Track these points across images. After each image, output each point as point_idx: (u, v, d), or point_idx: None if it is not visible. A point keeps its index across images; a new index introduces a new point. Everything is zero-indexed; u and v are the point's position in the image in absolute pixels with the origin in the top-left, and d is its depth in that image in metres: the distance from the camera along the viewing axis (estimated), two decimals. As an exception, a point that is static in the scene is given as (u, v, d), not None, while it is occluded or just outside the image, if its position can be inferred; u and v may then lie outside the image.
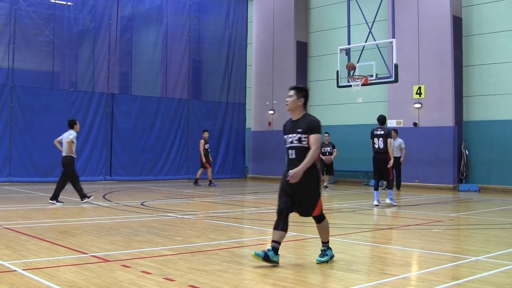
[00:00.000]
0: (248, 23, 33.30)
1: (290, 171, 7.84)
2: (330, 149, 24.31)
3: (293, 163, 7.97)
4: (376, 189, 17.28)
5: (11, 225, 11.41)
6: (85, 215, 14.05)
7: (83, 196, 16.56)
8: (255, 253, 7.83)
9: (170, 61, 29.90)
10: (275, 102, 32.63)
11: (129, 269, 7.46)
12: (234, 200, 19.38)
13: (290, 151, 8.12)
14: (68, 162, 16.39)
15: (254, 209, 16.84)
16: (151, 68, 29.70)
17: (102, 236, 10.36)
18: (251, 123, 33.65)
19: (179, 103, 29.69)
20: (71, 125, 16.74)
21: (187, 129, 29.84)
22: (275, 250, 7.85)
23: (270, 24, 33.27)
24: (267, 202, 18.47)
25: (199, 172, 26.30)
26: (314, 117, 8.26)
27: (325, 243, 8.32)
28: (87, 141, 26.38)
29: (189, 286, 6.66)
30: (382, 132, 17.07)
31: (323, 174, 24.45)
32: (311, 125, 8.07)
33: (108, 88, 27.26)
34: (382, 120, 17.44)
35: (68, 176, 16.49)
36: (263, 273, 7.42)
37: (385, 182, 18.27)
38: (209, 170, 26.19)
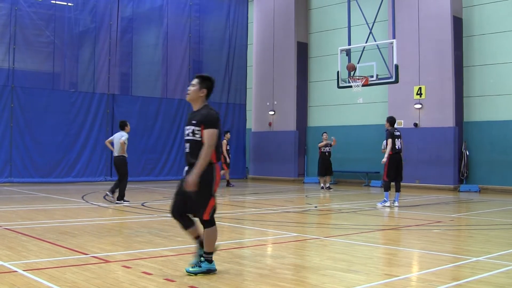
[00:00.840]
0: (248, 24, 33.32)
1: (187, 177, 7.23)
2: (329, 149, 24.26)
3: (187, 158, 7.43)
4: (388, 189, 17.22)
5: (12, 226, 11.41)
6: (86, 216, 14.05)
7: (122, 196, 16.94)
8: (187, 270, 7.38)
9: (171, 62, 29.90)
10: (275, 102, 32.63)
11: (129, 270, 7.47)
12: (235, 201, 19.38)
13: (185, 144, 7.50)
14: (120, 162, 16.89)
15: (254, 209, 16.83)
16: (151, 68, 29.70)
17: (103, 236, 10.36)
18: (252, 123, 33.65)
19: (179, 104, 29.68)
20: (122, 127, 17.22)
21: (188, 129, 29.79)
22: (208, 260, 7.38)
23: (271, 24, 33.27)
24: (268, 203, 18.47)
25: (226, 173, 26.42)
26: (212, 109, 7.48)
27: (207, 253, 7.44)
28: (87, 141, 26.40)
29: (189, 286, 6.67)
30: (399, 133, 17.09)
31: (323, 175, 24.44)
32: (206, 118, 7.33)
33: (109, 89, 27.27)
34: (395, 121, 17.44)
35: (124, 174, 16.94)
36: (263, 273, 7.42)
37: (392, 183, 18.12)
38: (221, 172, 26.27)
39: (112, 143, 17.28)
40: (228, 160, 26.12)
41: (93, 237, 10.24)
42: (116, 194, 17.02)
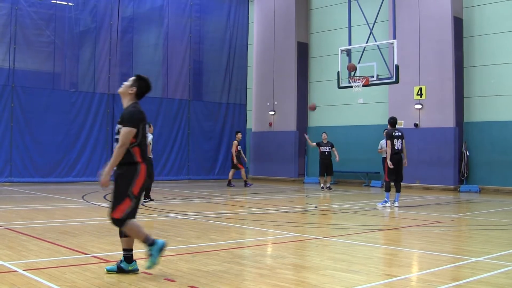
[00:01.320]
0: (249, 24, 33.31)
1: (100, 171, 7.16)
2: (329, 149, 24.26)
3: None
4: (389, 190, 17.23)
5: (12, 226, 11.41)
6: (86, 216, 14.05)
7: (147, 196, 17.41)
8: (107, 268, 7.31)
9: (171, 62, 29.90)
10: (276, 102, 32.63)
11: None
12: (235, 201, 19.39)
13: (114, 143, 7.39)
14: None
15: (254, 209, 16.83)
16: (152, 69, 29.65)
17: (103, 236, 10.37)
18: (252, 123, 33.64)
19: (180, 104, 29.69)
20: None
21: (188, 129, 29.85)
22: (127, 259, 7.32)
23: (271, 24, 33.27)
24: (268, 203, 18.48)
25: (231, 173, 26.50)
26: (135, 107, 7.38)
27: (145, 243, 7.34)
28: (88, 141, 26.40)
29: (189, 286, 6.66)
30: (400, 134, 17.08)
31: (323, 176, 24.45)
32: (125, 116, 7.28)
33: (109, 89, 27.26)
34: (396, 122, 17.42)
35: (149, 174, 16.82)
36: (263, 273, 7.42)
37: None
38: (243, 171, 26.42)
39: None
40: (235, 161, 26.18)
41: (93, 237, 10.25)
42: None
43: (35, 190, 21.29)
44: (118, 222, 7.23)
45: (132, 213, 7.26)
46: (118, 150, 7.10)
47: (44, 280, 6.80)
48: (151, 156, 17.03)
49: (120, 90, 7.53)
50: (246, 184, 26.20)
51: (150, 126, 17.54)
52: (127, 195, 7.15)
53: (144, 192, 7.22)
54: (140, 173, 7.23)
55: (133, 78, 7.57)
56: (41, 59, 26.34)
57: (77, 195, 19.61)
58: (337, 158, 24.27)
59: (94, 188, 22.34)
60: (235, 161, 26.12)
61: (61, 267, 7.49)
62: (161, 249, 7.30)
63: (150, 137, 17.06)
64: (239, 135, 26.72)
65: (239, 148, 26.34)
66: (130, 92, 7.46)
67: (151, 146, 17.03)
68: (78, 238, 10.13)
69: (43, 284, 6.63)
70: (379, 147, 22.87)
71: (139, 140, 7.26)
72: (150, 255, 7.24)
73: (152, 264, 7.24)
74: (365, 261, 8.60)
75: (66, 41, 26.57)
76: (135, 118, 7.23)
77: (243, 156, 26.97)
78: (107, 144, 26.94)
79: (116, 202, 7.16)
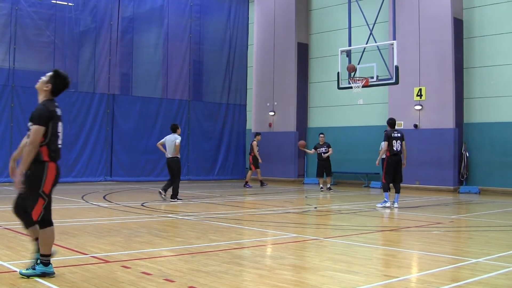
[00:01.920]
0: (249, 24, 33.32)
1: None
2: (325, 149, 24.23)
3: None
4: (387, 190, 17.20)
5: (11, 226, 11.40)
6: (85, 216, 14.05)
7: (176, 195, 18.31)
8: (20, 272, 7.01)
9: (171, 62, 29.91)
10: (275, 103, 32.63)
11: (129, 270, 7.47)
12: (235, 201, 19.40)
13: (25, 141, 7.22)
14: (174, 163, 18.24)
15: (254, 210, 16.85)
16: (152, 69, 29.70)
17: (102, 236, 10.37)
18: (252, 124, 33.63)
19: (180, 104, 29.70)
20: (174, 129, 18.53)
21: (188, 130, 29.85)
22: (43, 262, 6.97)
23: (271, 25, 33.28)
24: (267, 203, 18.49)
25: (250, 174, 26.84)
26: (44, 106, 7.22)
27: (43, 256, 6.98)
28: (87, 141, 26.40)
29: (189, 287, 6.66)
30: (399, 135, 17.06)
31: (322, 177, 24.44)
32: (34, 114, 7.06)
33: (109, 89, 27.27)
34: (394, 123, 17.42)
35: (178, 174, 18.39)
36: (262, 274, 7.42)
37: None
38: (258, 171, 26.73)
39: (164, 145, 18.46)
40: (260, 160, 26.62)
41: (92, 237, 10.25)
42: (169, 193, 18.38)
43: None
44: (40, 223, 7.00)
45: (47, 213, 7.05)
46: (27, 148, 6.90)
47: (43, 280, 6.80)
48: (178, 156, 18.21)
49: (37, 85, 7.35)
50: (262, 184, 26.77)
51: (178, 128, 18.56)
52: (39, 195, 6.97)
53: (52, 192, 7.03)
54: (49, 172, 7.05)
55: (50, 73, 7.39)
56: (41, 59, 26.32)
57: (77, 195, 19.63)
58: (326, 155, 24.20)
59: (94, 188, 22.36)
60: (260, 160, 26.57)
61: (60, 267, 7.47)
62: (45, 273, 6.93)
63: (178, 139, 18.06)
64: (259, 137, 27.06)
65: (258, 150, 26.65)
66: (45, 88, 7.33)
67: (179, 147, 18.07)
68: (77, 238, 10.13)
69: (42, 285, 6.63)
70: (380, 147, 22.88)
71: (48, 139, 7.08)
72: (34, 268, 6.95)
73: (27, 275, 6.92)
74: (365, 262, 8.61)
75: (66, 41, 26.56)
76: (44, 117, 7.05)
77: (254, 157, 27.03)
78: (107, 144, 26.95)
79: (32, 203, 6.99)
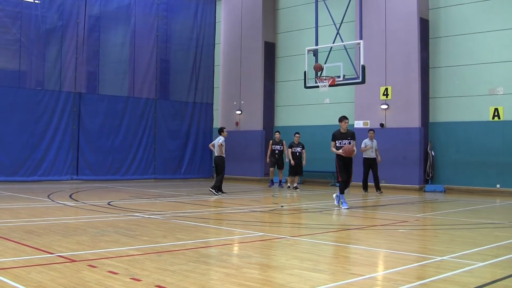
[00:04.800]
0: (216, 23, 33.29)
1: None
2: (300, 150, 24.29)
3: None
4: (343, 192, 17.06)
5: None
6: (52, 215, 13.94)
7: (217, 188, 21.05)
8: None
9: (138, 61, 29.80)
10: (242, 102, 32.67)
11: (95, 269, 7.43)
12: (201, 200, 19.36)
13: None
14: (220, 161, 21.08)
15: (221, 209, 16.84)
16: (118, 67, 29.56)
17: (69, 236, 10.30)
18: (219, 123, 33.59)
19: (146, 103, 29.61)
20: (219, 131, 21.41)
21: (155, 128, 29.78)
22: None
23: (238, 24, 33.31)
24: (234, 202, 18.49)
25: (272, 172, 26.36)
26: None
27: None
28: (53, 140, 26.21)
29: (155, 286, 6.65)
30: (345, 132, 17.14)
31: (293, 176, 24.47)
32: None
33: (75, 87, 27.08)
34: (340, 120, 17.49)
35: (222, 170, 21.13)
36: (229, 273, 7.43)
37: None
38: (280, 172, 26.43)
39: (214, 146, 21.33)
40: (292, 159, 26.15)
41: (59, 236, 10.18)
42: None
43: (0, 189, 21.08)
44: None
45: None
46: None
47: (9, 280, 6.74)
48: (223, 155, 20.93)
49: None
50: (279, 183, 26.57)
51: (222, 131, 21.18)
52: None
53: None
54: None
55: None
56: (7, 57, 26.09)
57: (43, 194, 19.47)
58: (304, 162, 24.35)
59: (60, 187, 22.19)
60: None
61: (26, 267, 7.42)
62: None
63: (221, 139, 20.87)
64: (277, 134, 26.34)
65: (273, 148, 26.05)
66: None
67: (223, 147, 20.86)
68: (43, 237, 10.05)
69: (8, 284, 6.57)
70: (363, 145, 23.02)
71: None
72: None
73: None
74: (331, 260, 8.66)
75: (32, 39, 26.36)
76: None
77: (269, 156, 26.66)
78: (73, 143, 26.77)
79: None
